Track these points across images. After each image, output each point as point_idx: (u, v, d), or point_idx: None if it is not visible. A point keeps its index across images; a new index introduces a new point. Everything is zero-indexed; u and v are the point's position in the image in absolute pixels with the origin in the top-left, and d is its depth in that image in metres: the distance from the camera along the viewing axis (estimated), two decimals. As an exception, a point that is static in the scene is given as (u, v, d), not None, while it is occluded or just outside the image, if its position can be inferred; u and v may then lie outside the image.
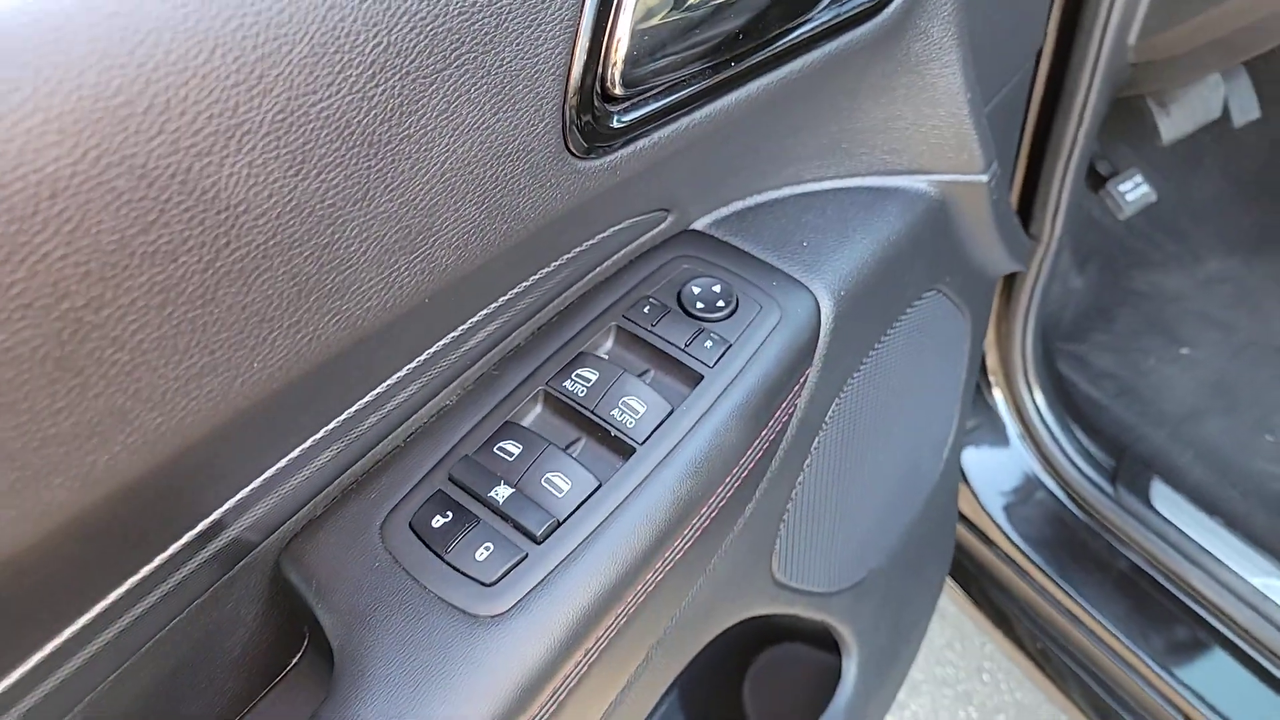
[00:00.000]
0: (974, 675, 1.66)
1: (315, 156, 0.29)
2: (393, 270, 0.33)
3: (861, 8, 0.48)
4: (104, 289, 0.25)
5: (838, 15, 0.48)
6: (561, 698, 0.43)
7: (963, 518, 1.22)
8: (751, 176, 0.56)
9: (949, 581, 1.27)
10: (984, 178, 0.60)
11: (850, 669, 0.81)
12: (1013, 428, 1.18)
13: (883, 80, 0.54)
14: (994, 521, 1.19)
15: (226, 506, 0.38)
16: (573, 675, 0.43)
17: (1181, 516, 1.10)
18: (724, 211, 0.58)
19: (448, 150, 0.32)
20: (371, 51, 0.29)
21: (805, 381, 0.55)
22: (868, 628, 0.82)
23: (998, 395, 1.17)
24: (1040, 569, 1.15)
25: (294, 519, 0.43)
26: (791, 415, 0.55)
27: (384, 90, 0.30)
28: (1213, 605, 1.04)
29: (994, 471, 1.20)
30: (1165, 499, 1.12)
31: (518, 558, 0.42)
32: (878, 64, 0.52)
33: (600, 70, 0.37)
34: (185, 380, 0.28)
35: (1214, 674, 1.04)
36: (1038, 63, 0.80)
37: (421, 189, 0.32)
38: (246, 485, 0.38)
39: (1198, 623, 1.06)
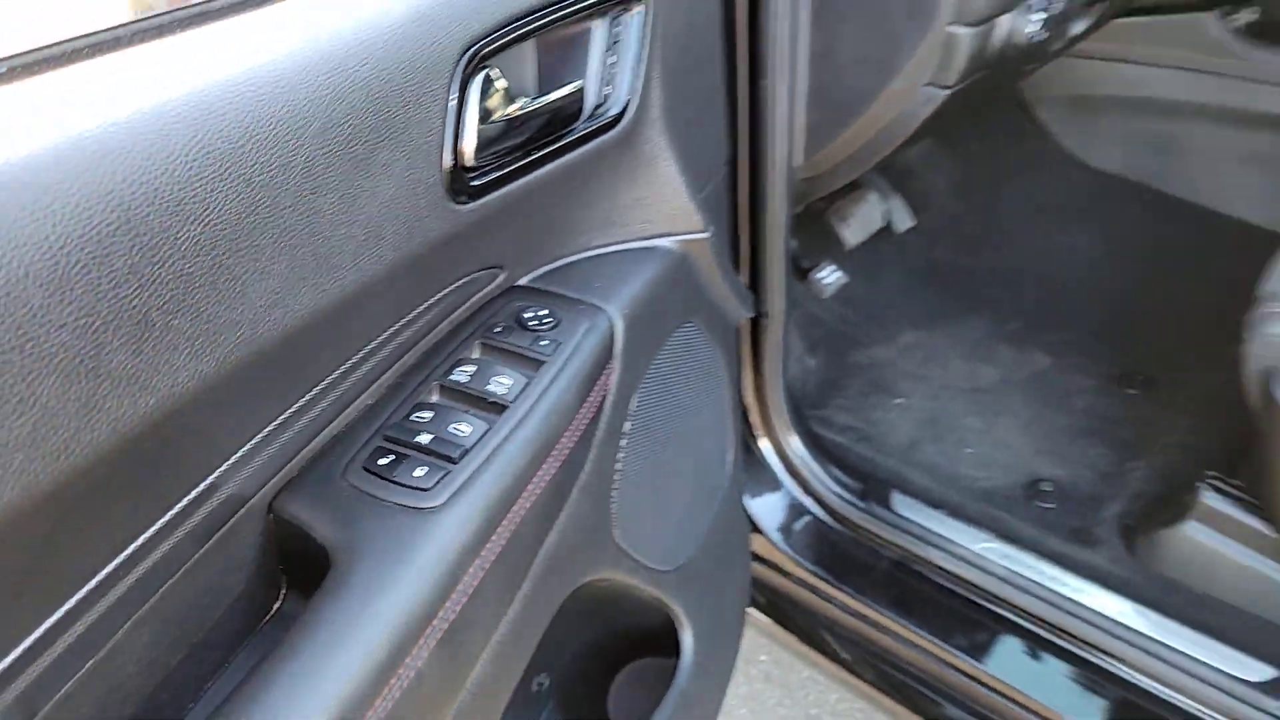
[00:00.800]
0: (804, 723, 1.87)
1: (321, 186, 0.52)
2: (360, 256, 0.55)
3: (604, 121, 0.77)
4: (233, 244, 0.46)
5: (590, 126, 0.76)
6: (485, 566, 0.63)
7: (760, 559, 1.48)
8: (556, 244, 0.83)
9: (770, 624, 1.50)
10: (706, 235, 0.89)
11: (687, 639, 1.02)
12: (781, 471, 1.47)
13: (630, 171, 0.83)
14: (783, 552, 1.45)
15: (223, 468, 0.56)
16: (490, 550, 0.63)
17: (917, 514, 1.41)
18: (538, 272, 0.83)
19: (388, 187, 0.56)
20: (347, 128, 0.53)
21: (612, 372, 0.79)
22: (695, 608, 1.04)
23: (765, 446, 1.46)
24: (825, 580, 1.41)
25: (275, 480, 0.62)
26: (606, 395, 0.79)
27: (355, 149, 0.53)
28: (950, 574, 1.34)
29: (774, 510, 1.47)
30: (904, 504, 1.43)
31: (444, 472, 0.63)
32: (624, 159, 0.81)
33: (461, 151, 0.63)
34: (264, 309, 0.49)
35: (965, 628, 1.32)
36: (735, 173, 1.13)
37: (375, 209, 0.55)
38: (239, 449, 0.57)
39: (944, 591, 1.34)
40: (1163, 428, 1.52)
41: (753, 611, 1.48)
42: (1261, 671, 1.10)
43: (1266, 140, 1.64)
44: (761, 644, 1.80)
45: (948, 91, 1.16)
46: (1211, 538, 1.24)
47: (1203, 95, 1.65)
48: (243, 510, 0.59)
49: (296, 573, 0.63)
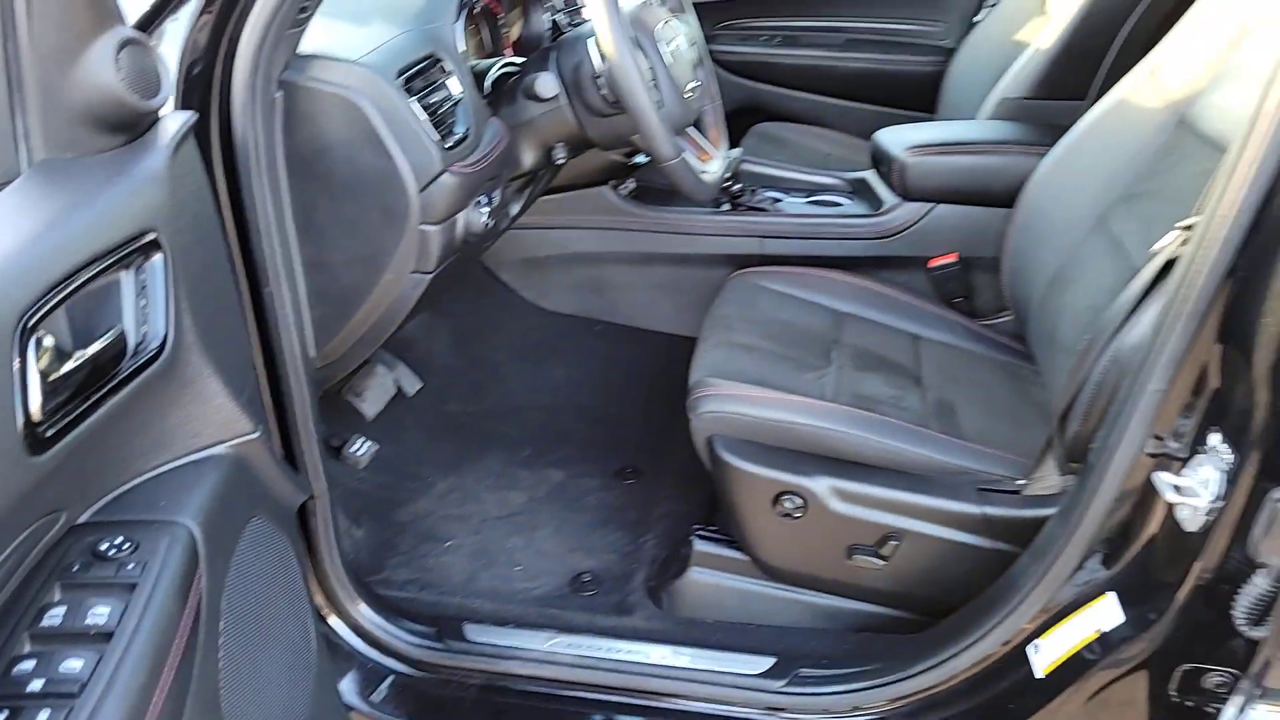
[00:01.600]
0: None
1: None
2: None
3: (148, 356, 0.85)
4: None
5: (136, 363, 0.83)
6: None
7: None
8: (114, 475, 0.87)
9: None
10: (256, 434, 1.00)
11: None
12: (356, 642, 1.54)
13: (176, 393, 0.90)
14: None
15: None
16: None
17: (489, 636, 1.57)
18: (100, 504, 0.86)
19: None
20: None
21: (200, 576, 0.85)
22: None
23: (335, 622, 1.52)
24: None
25: None
26: (201, 599, 0.85)
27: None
28: (531, 677, 1.51)
29: (359, 682, 1.52)
30: (476, 632, 1.57)
31: (68, 708, 0.65)
32: (171, 385, 0.89)
33: (30, 410, 0.68)
34: None
35: (557, 720, 1.50)
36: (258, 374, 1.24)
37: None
38: None
39: (529, 695, 1.51)
40: (657, 503, 1.89)
41: None
42: (763, 663, 1.45)
43: (661, 272, 2.19)
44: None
45: (430, 275, 1.40)
46: (708, 575, 1.60)
47: (614, 245, 2.16)
48: None
49: None
